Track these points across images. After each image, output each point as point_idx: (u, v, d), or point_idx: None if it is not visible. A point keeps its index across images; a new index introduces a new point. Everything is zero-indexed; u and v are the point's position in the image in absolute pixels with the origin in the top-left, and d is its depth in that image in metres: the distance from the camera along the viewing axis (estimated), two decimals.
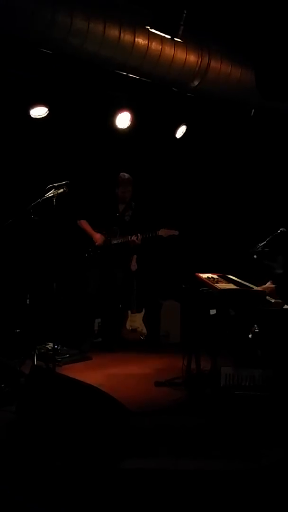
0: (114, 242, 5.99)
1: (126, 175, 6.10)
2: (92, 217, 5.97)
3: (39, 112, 5.61)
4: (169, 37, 4.21)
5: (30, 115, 5.59)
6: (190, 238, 6.83)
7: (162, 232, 5.96)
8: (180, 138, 6.55)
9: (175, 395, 4.55)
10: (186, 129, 6.50)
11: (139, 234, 5.93)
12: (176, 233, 5.99)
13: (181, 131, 6.52)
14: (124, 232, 6.02)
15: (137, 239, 5.93)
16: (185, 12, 4.06)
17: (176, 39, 4.26)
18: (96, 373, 5.16)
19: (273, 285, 4.61)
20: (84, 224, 5.97)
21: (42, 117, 5.64)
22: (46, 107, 5.59)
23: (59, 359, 5.33)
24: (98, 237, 5.93)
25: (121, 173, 6.11)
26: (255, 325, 4.14)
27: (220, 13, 4.86)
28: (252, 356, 4.09)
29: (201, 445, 3.50)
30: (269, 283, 4.65)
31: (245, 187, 6.95)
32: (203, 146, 6.97)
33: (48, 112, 5.61)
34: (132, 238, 5.94)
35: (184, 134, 6.53)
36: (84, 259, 5.96)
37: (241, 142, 6.82)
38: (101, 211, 6.02)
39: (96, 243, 5.92)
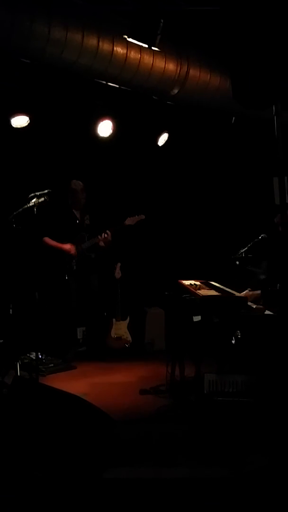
0: (84, 246, 5.93)
1: (80, 182, 6.00)
2: (54, 232, 5.86)
3: (20, 121, 5.60)
4: (146, 46, 4.24)
5: (11, 125, 5.59)
6: (174, 245, 6.85)
7: (129, 221, 5.91)
8: (162, 145, 6.58)
9: (160, 402, 4.54)
10: (168, 137, 6.54)
11: (107, 231, 5.87)
12: (143, 217, 5.92)
13: (163, 139, 6.55)
14: (90, 235, 5.96)
15: (107, 235, 5.87)
16: (162, 21, 4.09)
17: (153, 48, 4.29)
18: (81, 382, 5.15)
19: (257, 292, 4.63)
20: (49, 240, 5.84)
21: (24, 127, 5.64)
22: (27, 116, 5.59)
23: (43, 369, 5.31)
24: (68, 247, 5.84)
25: (74, 181, 5.98)
26: (238, 331, 4.15)
27: (198, 22, 4.90)
28: (235, 362, 4.09)
29: (185, 453, 3.50)
30: (247, 290, 4.68)
31: (226, 194, 6.99)
32: (185, 153, 7.01)
33: (29, 121, 5.60)
34: (103, 236, 5.87)
35: (166, 141, 6.57)
36: (64, 271, 5.87)
37: (223, 149, 6.87)
38: (61, 223, 5.93)
39: (71, 253, 5.84)
